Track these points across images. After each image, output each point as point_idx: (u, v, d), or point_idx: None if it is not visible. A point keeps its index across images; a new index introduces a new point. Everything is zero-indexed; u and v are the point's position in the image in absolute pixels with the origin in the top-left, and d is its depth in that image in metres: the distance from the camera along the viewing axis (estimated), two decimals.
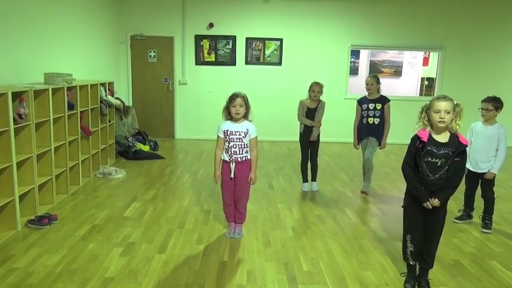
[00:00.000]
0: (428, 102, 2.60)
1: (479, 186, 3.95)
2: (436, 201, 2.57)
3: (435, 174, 2.56)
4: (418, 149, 2.58)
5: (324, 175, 5.61)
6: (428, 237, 2.71)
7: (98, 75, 6.44)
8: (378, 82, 4.67)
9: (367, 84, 4.68)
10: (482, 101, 3.78)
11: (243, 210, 3.54)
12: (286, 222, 3.95)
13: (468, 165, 3.86)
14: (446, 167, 2.54)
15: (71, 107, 4.61)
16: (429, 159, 2.55)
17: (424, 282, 2.77)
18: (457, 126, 2.54)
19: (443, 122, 2.49)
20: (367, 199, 4.75)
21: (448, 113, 2.48)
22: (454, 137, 2.55)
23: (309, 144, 4.82)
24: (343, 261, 3.17)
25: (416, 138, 2.60)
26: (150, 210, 4.14)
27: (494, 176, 3.77)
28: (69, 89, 4.55)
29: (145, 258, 3.11)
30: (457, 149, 2.52)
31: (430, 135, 2.56)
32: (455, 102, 2.52)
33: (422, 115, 2.61)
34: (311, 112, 4.72)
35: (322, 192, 4.92)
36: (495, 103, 3.70)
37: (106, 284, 2.72)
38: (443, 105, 2.49)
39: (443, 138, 2.55)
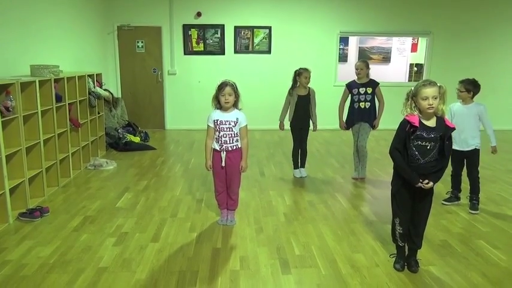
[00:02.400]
0: (412, 89, 2.61)
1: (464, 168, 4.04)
2: (430, 184, 2.62)
3: (425, 157, 2.60)
4: (408, 134, 2.60)
5: (314, 162, 5.65)
6: (416, 219, 2.77)
7: (85, 66, 6.37)
8: (368, 67, 4.69)
9: (356, 68, 4.69)
10: (458, 82, 3.91)
11: (235, 197, 3.57)
12: (278, 208, 3.99)
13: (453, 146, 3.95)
14: (435, 150, 2.59)
15: (59, 99, 4.56)
16: (419, 143, 2.58)
17: (413, 262, 2.84)
18: (443, 109, 2.58)
19: (432, 108, 2.52)
20: (357, 184, 4.81)
21: (435, 98, 2.51)
22: (440, 120, 2.59)
23: (299, 131, 4.86)
24: (334, 244, 3.23)
25: (406, 123, 2.60)
26: (142, 201, 4.15)
27: (479, 155, 3.89)
28: (56, 81, 4.50)
29: (139, 247, 3.13)
30: (445, 132, 2.56)
31: (419, 120, 2.59)
32: (439, 85, 2.55)
33: (409, 102, 2.62)
34: (303, 100, 4.73)
35: (313, 179, 4.97)
36: (466, 85, 3.85)
37: (100, 274, 2.74)
38: (430, 91, 2.50)
39: (431, 122, 2.59)
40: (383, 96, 4.70)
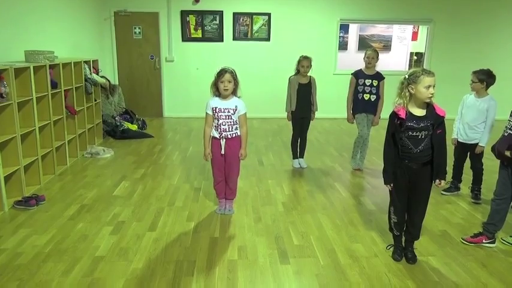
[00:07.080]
0: (407, 76, 2.55)
1: (467, 159, 3.99)
2: (442, 183, 2.66)
3: (418, 146, 2.58)
4: (397, 126, 2.58)
5: (313, 151, 5.61)
6: (412, 209, 2.75)
7: (81, 52, 6.26)
8: (378, 57, 4.57)
9: (368, 57, 4.53)
10: (472, 72, 3.78)
11: (234, 186, 3.53)
12: (276, 198, 3.96)
13: (458, 136, 3.89)
14: (427, 139, 2.56)
15: (54, 85, 4.48)
16: (410, 133, 2.56)
17: (410, 253, 2.82)
18: (433, 97, 2.55)
19: (432, 96, 2.50)
20: (356, 173, 4.77)
21: (434, 87, 2.50)
22: (431, 108, 2.56)
23: (301, 120, 4.79)
24: (333, 234, 3.20)
25: (394, 116, 2.59)
26: (139, 189, 4.11)
27: (483, 149, 3.80)
28: (51, 67, 4.42)
29: (136, 236, 3.10)
30: (436, 121, 2.54)
31: (407, 110, 2.56)
32: None
33: (404, 91, 2.56)
34: (304, 88, 4.65)
35: (312, 168, 4.93)
36: (480, 75, 3.68)
37: (96, 263, 2.71)
38: (433, 80, 2.49)
39: (420, 111, 2.56)
40: (384, 92, 4.57)
